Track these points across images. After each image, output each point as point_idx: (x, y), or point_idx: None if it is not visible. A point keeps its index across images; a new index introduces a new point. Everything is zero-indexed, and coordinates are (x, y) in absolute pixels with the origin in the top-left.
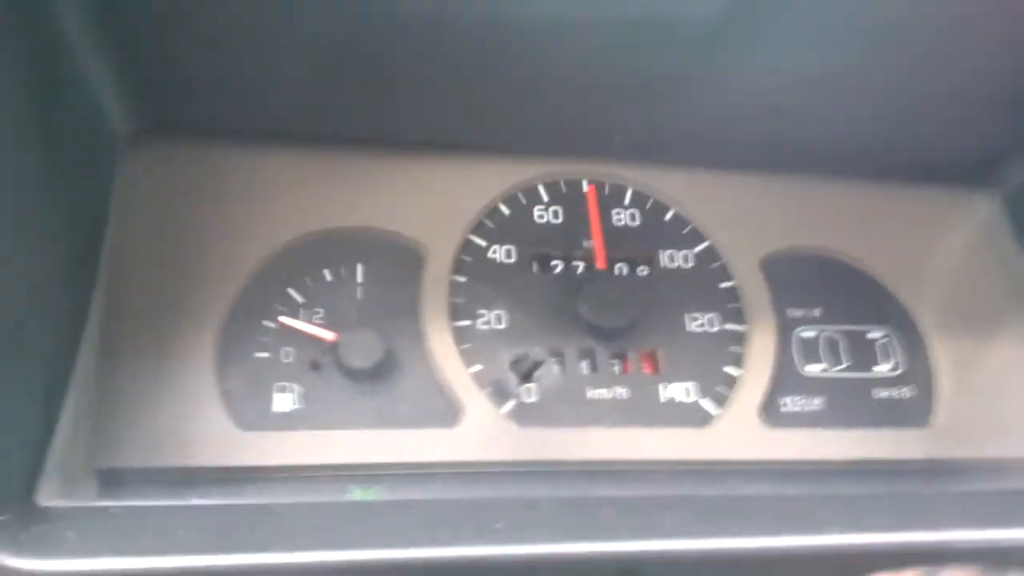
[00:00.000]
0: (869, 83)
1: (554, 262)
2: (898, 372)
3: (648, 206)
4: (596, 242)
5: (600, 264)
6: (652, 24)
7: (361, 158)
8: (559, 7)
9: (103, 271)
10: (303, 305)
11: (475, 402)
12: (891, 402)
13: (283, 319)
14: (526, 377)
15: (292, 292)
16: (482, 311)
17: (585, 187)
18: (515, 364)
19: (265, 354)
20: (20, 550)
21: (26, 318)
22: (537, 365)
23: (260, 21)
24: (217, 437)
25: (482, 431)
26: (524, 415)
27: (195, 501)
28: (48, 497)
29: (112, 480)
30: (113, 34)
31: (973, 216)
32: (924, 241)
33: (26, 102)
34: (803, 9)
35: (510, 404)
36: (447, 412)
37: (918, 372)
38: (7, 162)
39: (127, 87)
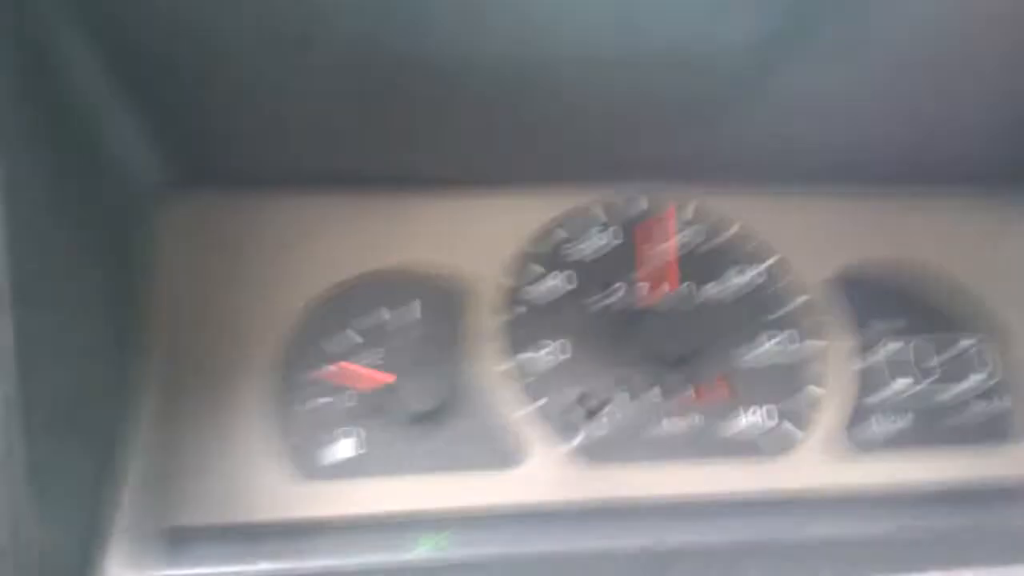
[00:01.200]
0: (926, 95)
1: (612, 288)
2: (991, 382)
3: (710, 225)
4: (671, 263)
5: (672, 285)
6: (684, 57)
7: (403, 198)
8: (595, 41)
9: (150, 331)
10: (361, 346)
11: (539, 439)
12: (989, 415)
13: (342, 363)
14: (594, 413)
15: (350, 333)
16: (542, 343)
17: (664, 209)
18: (582, 399)
19: (325, 399)
20: None
21: (78, 390)
22: (605, 403)
23: (288, 71)
24: (280, 488)
25: (548, 470)
26: (592, 451)
27: (262, 565)
28: (117, 565)
29: (179, 539)
30: (135, 91)
31: None
32: (1001, 247)
33: (61, 168)
34: (848, 28)
35: (577, 439)
36: (511, 451)
37: (1012, 381)
38: (46, 231)
39: (157, 140)
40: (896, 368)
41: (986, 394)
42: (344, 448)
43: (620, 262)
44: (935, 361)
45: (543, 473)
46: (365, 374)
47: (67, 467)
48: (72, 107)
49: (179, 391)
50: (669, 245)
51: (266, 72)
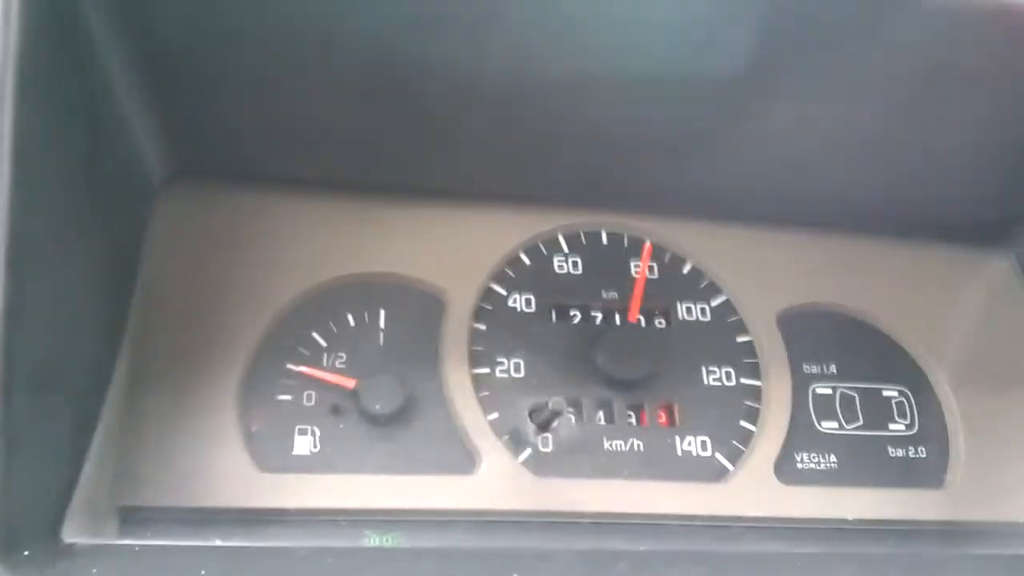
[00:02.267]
0: (886, 142)
1: (572, 312)
2: (913, 431)
3: (666, 259)
4: (635, 297)
5: (632, 318)
6: (672, 81)
7: (386, 206)
8: (582, 65)
9: (133, 311)
10: (326, 349)
11: (492, 450)
12: (906, 461)
13: (303, 367)
14: (543, 427)
15: (316, 336)
16: (501, 359)
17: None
18: (533, 414)
19: (287, 396)
20: None
21: (62, 356)
22: (555, 415)
23: (296, 74)
24: (238, 478)
25: (498, 479)
26: (540, 464)
27: (216, 542)
28: (72, 534)
29: (134, 518)
30: (157, 83)
31: (988, 276)
32: (939, 300)
33: (70, 143)
34: (822, 69)
35: (526, 453)
36: (464, 459)
37: (933, 432)
38: (51, 201)
39: (166, 133)
40: (823, 411)
41: (906, 442)
42: (301, 445)
43: (578, 289)
44: (859, 408)
45: (492, 482)
46: (326, 377)
47: (39, 432)
48: (88, 89)
49: (151, 374)
50: (638, 279)
51: (278, 72)
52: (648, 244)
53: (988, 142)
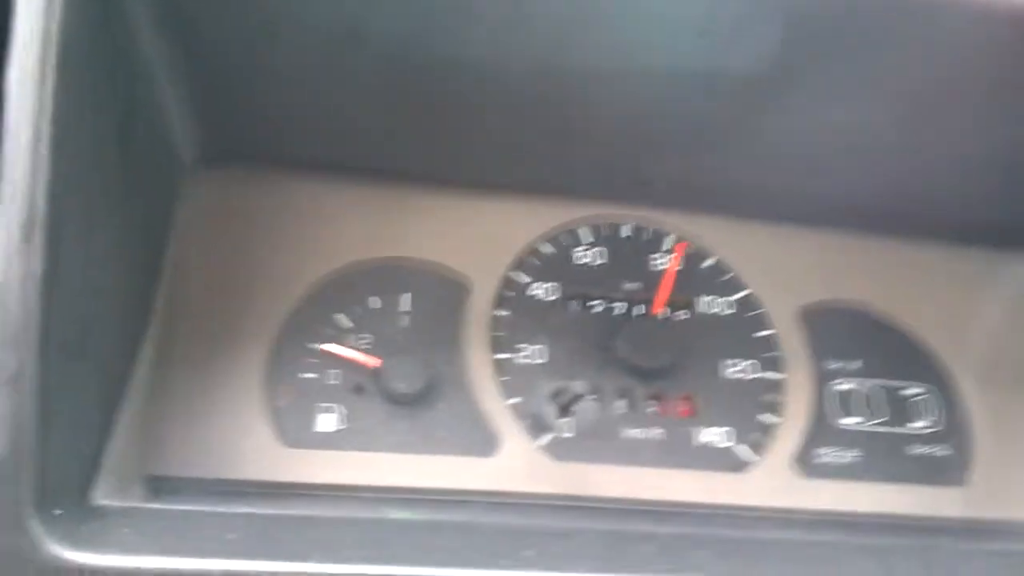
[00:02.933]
0: (910, 142)
1: (594, 302)
2: (935, 429)
3: (689, 253)
4: (663, 289)
5: (656, 309)
6: (697, 76)
7: (411, 193)
8: (607, 58)
9: (163, 287)
10: (351, 330)
11: (512, 433)
12: (927, 459)
13: (328, 345)
14: (564, 410)
15: (340, 317)
16: (522, 345)
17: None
18: (554, 396)
19: (312, 375)
20: (76, 544)
21: (92, 324)
22: (576, 398)
23: (330, 62)
24: (262, 452)
25: (518, 462)
26: (560, 449)
27: (240, 509)
28: (102, 497)
29: (160, 487)
30: (191, 66)
31: (1010, 278)
32: (962, 301)
33: (106, 122)
34: (847, 66)
35: (547, 437)
36: (484, 441)
37: (955, 431)
38: (85, 175)
39: (198, 116)
40: (847, 406)
41: (928, 439)
42: (325, 422)
43: (600, 280)
44: (884, 404)
45: (513, 465)
46: (351, 356)
47: (72, 395)
48: (126, 68)
49: (179, 349)
50: (667, 272)
51: (310, 60)
52: (683, 243)
53: (1011, 145)
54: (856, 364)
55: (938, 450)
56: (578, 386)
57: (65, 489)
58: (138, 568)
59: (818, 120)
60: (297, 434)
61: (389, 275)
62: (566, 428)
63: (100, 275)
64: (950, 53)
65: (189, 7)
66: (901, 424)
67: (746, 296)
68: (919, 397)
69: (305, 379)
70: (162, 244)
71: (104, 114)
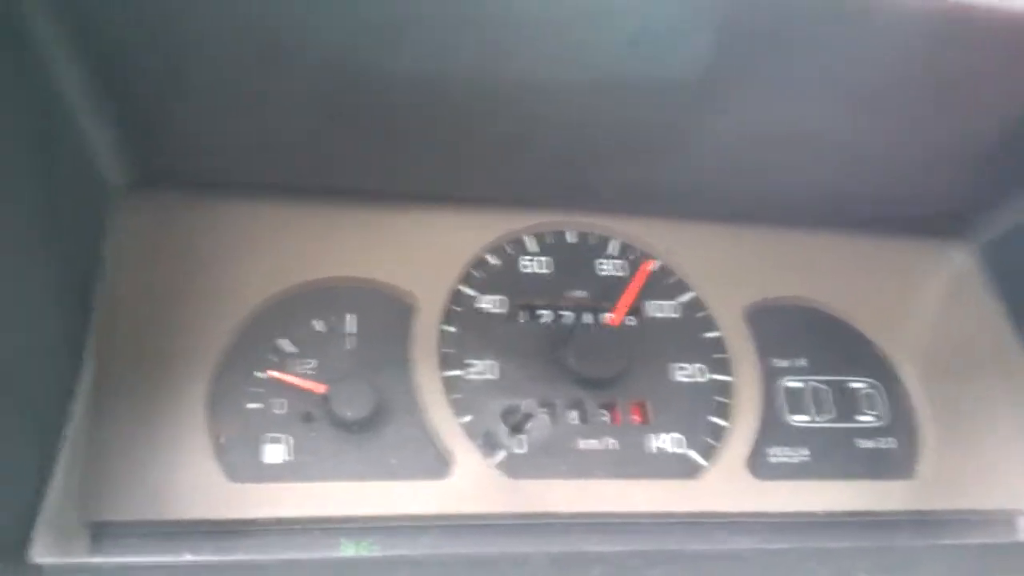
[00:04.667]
0: (848, 140)
1: (542, 312)
2: (882, 422)
3: (633, 257)
4: (623, 303)
5: (616, 321)
6: (631, 83)
7: (351, 209)
8: (542, 68)
9: (96, 323)
10: (295, 355)
11: (465, 453)
12: (876, 452)
13: (273, 372)
14: (517, 429)
15: (283, 342)
16: (472, 361)
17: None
18: (505, 416)
19: (257, 405)
20: None
21: (21, 370)
22: (528, 417)
23: (256, 80)
24: (208, 489)
25: (472, 483)
26: (514, 466)
27: (187, 556)
28: (41, 553)
29: (104, 534)
30: (110, 90)
31: (950, 267)
32: (904, 292)
33: (23, 154)
34: (780, 69)
35: (500, 455)
36: (437, 463)
37: (901, 423)
38: (4, 215)
39: (122, 141)
40: (796, 404)
41: (875, 433)
42: (272, 453)
43: (546, 289)
44: (831, 400)
45: (467, 486)
46: (297, 383)
47: (3, 447)
48: (41, 96)
49: (116, 383)
50: (629, 287)
51: (236, 78)
52: (649, 260)
53: (948, 137)
54: (802, 361)
55: (886, 443)
56: (529, 404)
57: (2, 549)
58: None
59: (754, 121)
60: (244, 468)
61: (332, 296)
62: (519, 445)
63: (29, 316)
64: (882, 54)
65: (98, 25)
66: (849, 419)
67: (692, 299)
68: (865, 391)
69: (250, 409)
70: (92, 276)
71: (17, 147)
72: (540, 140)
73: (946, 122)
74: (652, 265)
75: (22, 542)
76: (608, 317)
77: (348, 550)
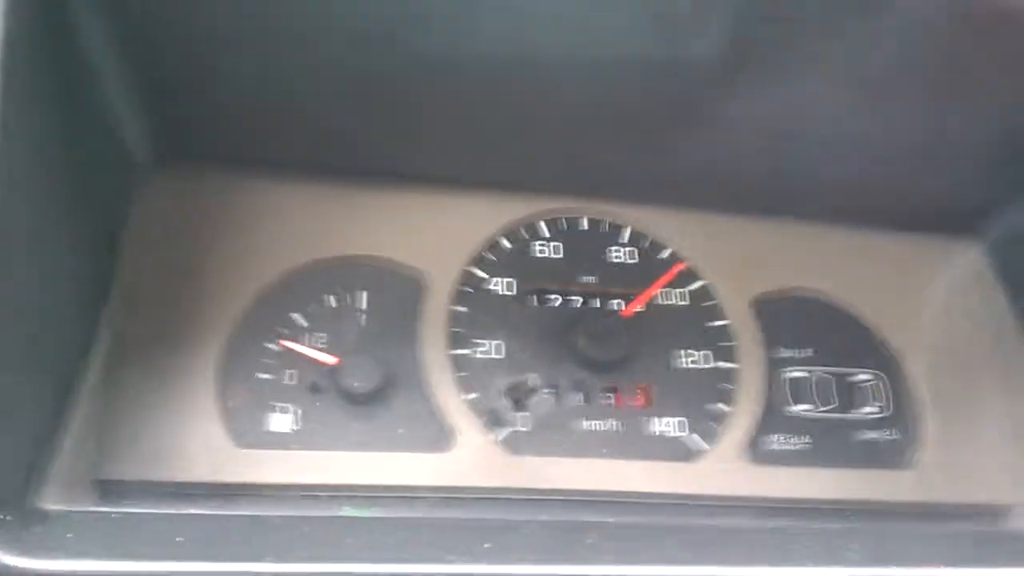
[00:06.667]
0: (861, 133)
1: (552, 296)
2: (884, 414)
3: (645, 245)
4: (646, 293)
5: (629, 311)
6: (652, 66)
7: (368, 189)
8: (564, 48)
9: (115, 291)
10: (306, 329)
11: (468, 428)
12: (876, 444)
13: (285, 342)
14: (520, 404)
15: (296, 316)
16: (480, 341)
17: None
18: (510, 390)
19: (267, 375)
20: (21, 550)
21: (41, 332)
22: (532, 392)
23: (280, 61)
24: (215, 453)
25: (474, 457)
26: (516, 443)
27: (190, 510)
28: (50, 502)
29: (111, 491)
30: (138, 65)
31: (959, 264)
32: (911, 287)
33: (52, 126)
34: (802, 52)
35: (503, 432)
36: (441, 437)
37: (903, 415)
38: (32, 180)
39: (149, 116)
40: (797, 394)
41: (877, 425)
42: (279, 422)
43: (558, 274)
44: (834, 391)
45: (469, 460)
46: (307, 355)
47: (19, 407)
48: (70, 69)
49: (130, 347)
50: (656, 283)
51: (260, 59)
52: (680, 262)
53: (961, 134)
54: (807, 352)
55: (887, 434)
56: (533, 380)
57: (11, 495)
58: (87, 572)
59: (769, 108)
60: (250, 435)
61: (345, 273)
62: (522, 422)
63: (51, 281)
64: (901, 43)
65: (133, 5)
66: (850, 410)
67: (700, 287)
68: (868, 383)
69: (260, 379)
70: (114, 246)
71: (49, 121)
72: (558, 123)
73: (963, 120)
74: (683, 267)
75: (32, 490)
76: (618, 304)
77: (348, 513)
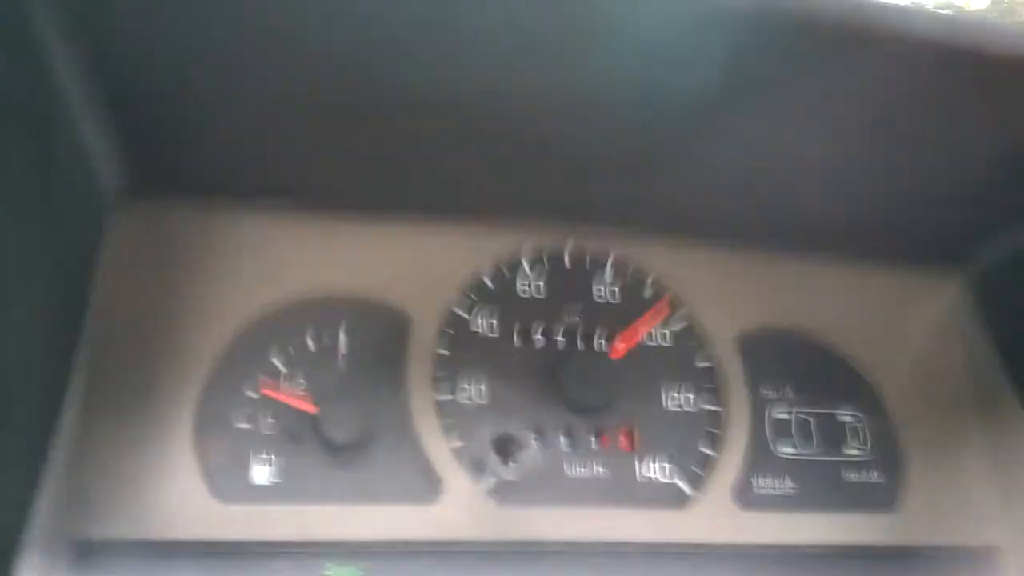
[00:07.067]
0: (844, 167)
1: (536, 335)
2: (867, 455)
3: (628, 280)
4: (628, 336)
5: (617, 354)
6: (639, 102)
7: (348, 223)
8: (551, 85)
9: (86, 336)
10: (285, 375)
11: (455, 479)
12: (860, 485)
13: (265, 390)
14: (507, 457)
15: (274, 360)
16: (464, 385)
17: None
18: (497, 444)
19: (245, 424)
20: None
21: (14, 387)
22: (519, 447)
23: (260, 90)
24: (195, 509)
25: (461, 509)
26: (504, 493)
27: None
28: (26, 571)
29: (89, 552)
30: (111, 96)
31: (940, 297)
32: (895, 323)
33: (21, 158)
34: (787, 92)
35: (490, 482)
36: (427, 488)
37: (886, 455)
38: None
39: (122, 149)
40: (780, 436)
41: (861, 466)
42: (260, 474)
43: (543, 312)
44: (819, 431)
45: (456, 512)
46: (287, 399)
47: None
48: (45, 101)
49: (104, 403)
50: (639, 323)
51: (239, 88)
52: (666, 295)
53: (946, 170)
54: (791, 391)
55: (871, 476)
56: (519, 432)
57: None
58: None
59: (753, 146)
60: (231, 488)
61: (325, 312)
62: (509, 472)
63: (23, 332)
64: (884, 85)
65: (104, 30)
66: (835, 451)
67: (684, 327)
68: (852, 423)
69: (238, 428)
70: (86, 287)
71: (19, 150)
72: (544, 158)
73: (944, 155)
74: (666, 303)
75: (8, 561)
76: (604, 345)
77: (331, 573)
